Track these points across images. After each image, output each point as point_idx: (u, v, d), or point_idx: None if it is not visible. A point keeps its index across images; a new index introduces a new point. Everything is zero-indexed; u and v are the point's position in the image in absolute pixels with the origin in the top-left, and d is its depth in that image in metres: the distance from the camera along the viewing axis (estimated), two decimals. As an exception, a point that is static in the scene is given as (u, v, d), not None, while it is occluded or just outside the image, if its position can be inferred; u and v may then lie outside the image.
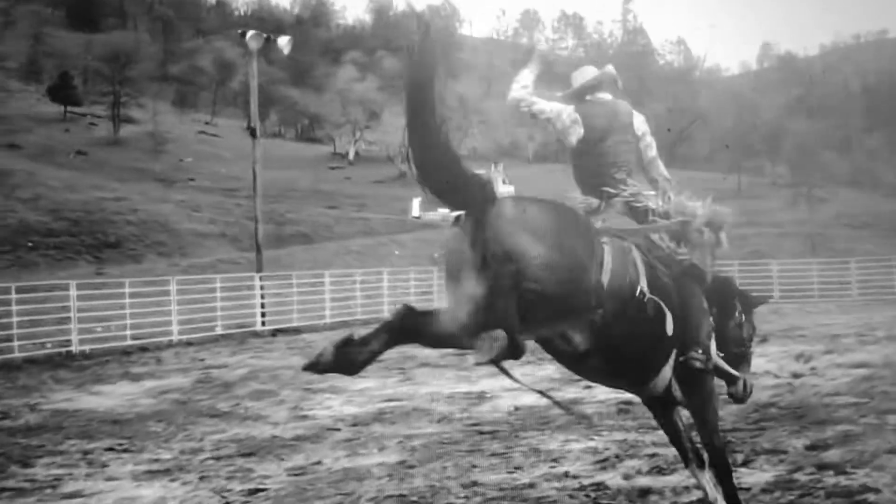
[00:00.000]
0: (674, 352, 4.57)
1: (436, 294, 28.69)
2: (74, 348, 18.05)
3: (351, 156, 70.71)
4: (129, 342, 19.07)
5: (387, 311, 26.16)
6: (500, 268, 3.75)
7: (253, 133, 23.82)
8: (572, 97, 5.27)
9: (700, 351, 4.57)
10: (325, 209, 44.60)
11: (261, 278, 22.57)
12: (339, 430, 8.89)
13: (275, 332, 22.13)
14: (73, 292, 19.23)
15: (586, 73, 5.31)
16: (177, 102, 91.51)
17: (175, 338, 19.99)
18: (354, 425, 9.11)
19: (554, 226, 4.03)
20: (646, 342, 4.43)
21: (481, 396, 10.58)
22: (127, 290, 20.40)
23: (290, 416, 9.95)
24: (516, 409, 9.50)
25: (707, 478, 4.96)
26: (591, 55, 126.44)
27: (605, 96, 5.22)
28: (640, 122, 5.19)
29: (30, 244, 28.16)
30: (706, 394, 4.81)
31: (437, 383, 12.06)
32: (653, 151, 5.22)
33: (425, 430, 8.62)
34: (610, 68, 5.34)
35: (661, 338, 4.45)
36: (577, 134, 5.03)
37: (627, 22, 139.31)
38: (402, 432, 8.54)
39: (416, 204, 45.62)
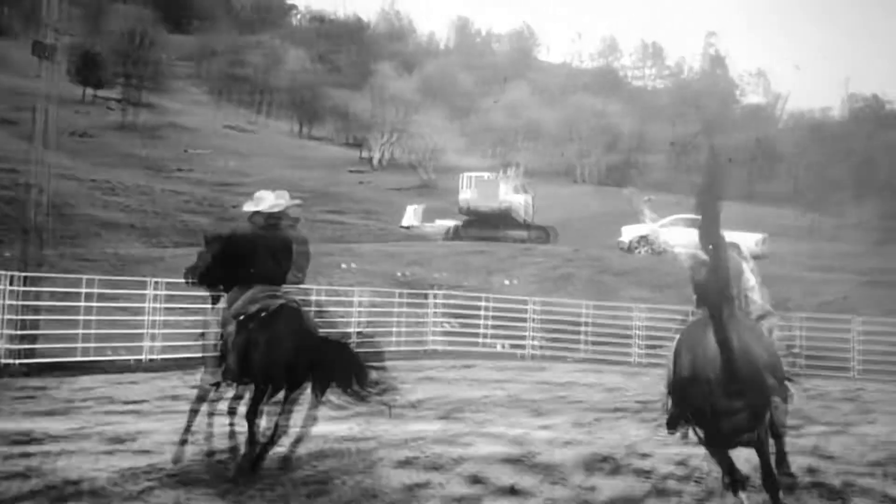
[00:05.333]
0: None
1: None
2: None
3: (376, 160, 62.46)
4: None
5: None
6: None
7: (39, 51, 15.40)
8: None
9: None
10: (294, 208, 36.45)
11: (15, 280, 14.11)
12: None
13: (29, 371, 13.83)
14: None
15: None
16: (215, 96, 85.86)
17: None
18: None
19: None
20: None
21: None
22: None
23: None
24: None
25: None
26: (671, 85, 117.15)
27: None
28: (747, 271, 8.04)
29: None
30: None
31: None
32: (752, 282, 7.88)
33: None
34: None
35: None
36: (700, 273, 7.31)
37: (707, 56, 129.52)
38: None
39: (410, 212, 37.19)
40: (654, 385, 15.95)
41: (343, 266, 25.31)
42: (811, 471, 8.67)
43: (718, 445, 6.98)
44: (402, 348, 21.17)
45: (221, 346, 8.07)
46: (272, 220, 8.43)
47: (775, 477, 6.79)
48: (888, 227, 35.18)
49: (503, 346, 22.37)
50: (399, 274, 25.93)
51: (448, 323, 22.70)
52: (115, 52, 70.60)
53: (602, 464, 9.01)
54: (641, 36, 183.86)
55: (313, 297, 15.85)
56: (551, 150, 64.72)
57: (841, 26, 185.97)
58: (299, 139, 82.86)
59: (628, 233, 30.52)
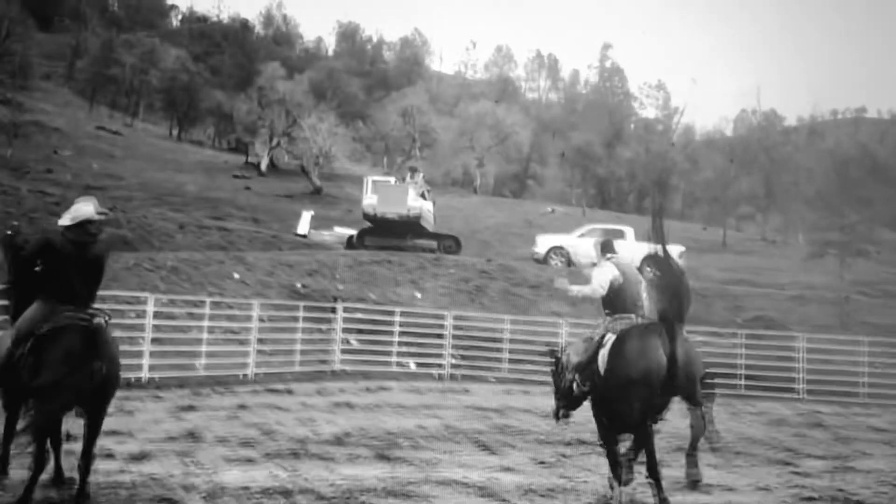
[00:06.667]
0: None
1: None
2: None
3: (263, 166, 59.18)
4: None
5: None
6: None
7: None
8: None
9: None
10: (171, 212, 33.53)
11: None
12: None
13: None
14: None
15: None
16: (87, 96, 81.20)
17: None
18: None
19: None
20: None
21: None
22: None
23: None
24: None
25: None
26: (566, 97, 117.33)
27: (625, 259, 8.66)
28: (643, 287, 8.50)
29: None
30: None
31: None
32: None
33: None
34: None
35: None
36: (619, 282, 8.25)
37: (604, 69, 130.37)
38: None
39: (305, 218, 34.62)
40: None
41: (236, 276, 22.73)
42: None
43: (617, 433, 7.89)
44: (306, 369, 18.91)
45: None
46: (86, 233, 7.21)
47: (657, 468, 7.67)
48: (816, 240, 34.62)
49: (417, 365, 20.33)
50: (299, 285, 23.49)
51: (356, 340, 20.50)
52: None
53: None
54: (537, 47, 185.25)
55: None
56: (449, 160, 63.05)
57: (740, 45, 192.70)
58: (176, 142, 78.97)
59: (543, 243, 28.88)
